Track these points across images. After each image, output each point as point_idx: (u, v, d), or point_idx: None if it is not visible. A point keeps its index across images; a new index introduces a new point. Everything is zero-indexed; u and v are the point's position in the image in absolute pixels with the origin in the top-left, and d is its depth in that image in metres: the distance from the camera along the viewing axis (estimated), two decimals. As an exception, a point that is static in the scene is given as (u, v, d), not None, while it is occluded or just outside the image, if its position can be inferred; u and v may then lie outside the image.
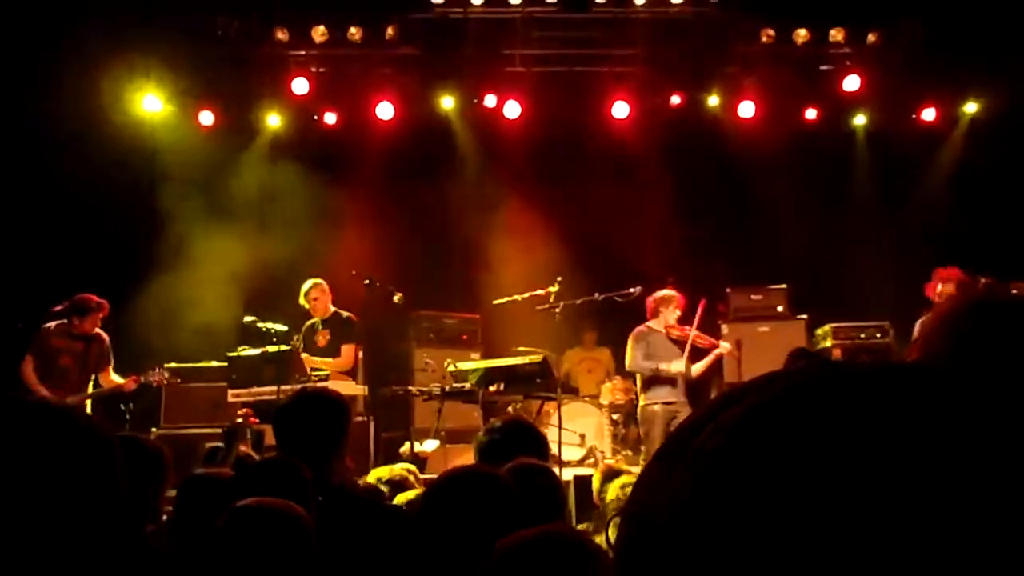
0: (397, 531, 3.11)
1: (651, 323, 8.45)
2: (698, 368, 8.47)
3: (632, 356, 8.43)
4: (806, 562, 0.50)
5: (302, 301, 8.32)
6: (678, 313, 8.41)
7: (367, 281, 8.14)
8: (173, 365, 8.58)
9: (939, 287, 7.89)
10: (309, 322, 8.39)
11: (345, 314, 8.28)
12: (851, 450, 0.51)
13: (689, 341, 8.35)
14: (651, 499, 0.56)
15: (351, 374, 8.08)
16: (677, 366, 8.24)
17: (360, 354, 8.24)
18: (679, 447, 0.57)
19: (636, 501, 0.58)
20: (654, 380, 8.35)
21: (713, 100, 10.83)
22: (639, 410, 8.63)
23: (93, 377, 8.21)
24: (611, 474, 4.90)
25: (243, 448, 5.27)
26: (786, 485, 0.51)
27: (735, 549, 0.51)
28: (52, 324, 8.01)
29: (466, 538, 2.34)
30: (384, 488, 4.58)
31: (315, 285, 8.30)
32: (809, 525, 0.50)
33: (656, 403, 8.28)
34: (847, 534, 0.50)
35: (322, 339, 8.21)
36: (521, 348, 8.44)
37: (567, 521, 3.23)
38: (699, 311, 8.45)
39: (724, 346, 8.56)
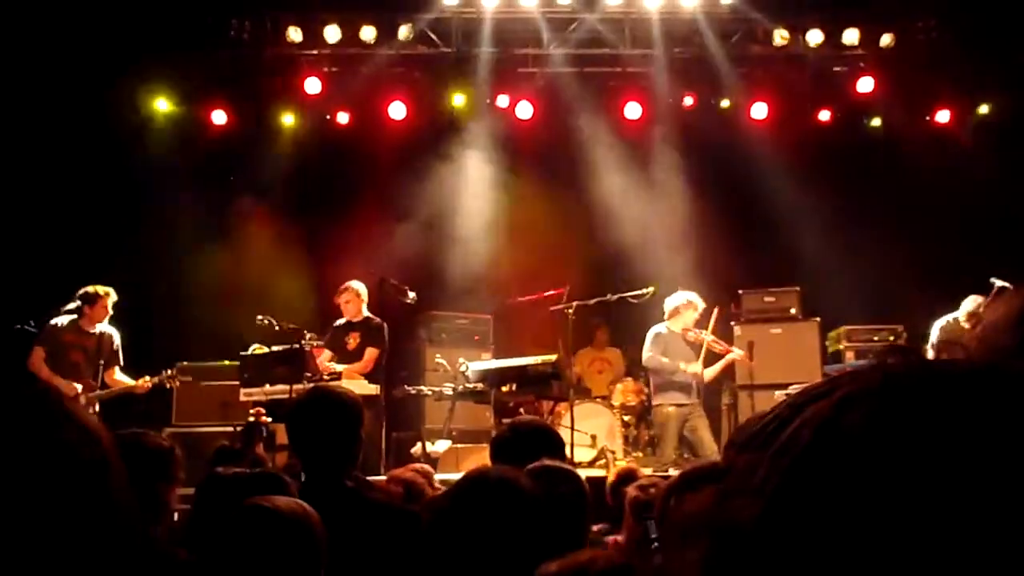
0: (412, 534, 3.09)
1: (669, 323, 8.46)
2: (710, 373, 8.48)
3: (649, 352, 8.43)
4: (901, 561, 0.48)
5: (336, 301, 8.34)
6: (696, 316, 8.42)
7: (380, 281, 8.13)
8: (185, 364, 8.59)
9: None
10: (340, 322, 8.39)
11: (377, 320, 8.27)
12: (946, 450, 0.50)
13: (704, 345, 8.35)
14: (735, 498, 0.55)
15: (372, 376, 8.04)
16: (694, 368, 8.26)
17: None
18: (760, 443, 0.55)
19: (721, 499, 0.56)
20: (668, 382, 8.36)
21: (725, 101, 10.82)
22: (653, 411, 8.65)
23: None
24: (626, 476, 4.86)
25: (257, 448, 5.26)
26: (880, 483, 0.50)
27: (826, 548, 0.50)
28: (63, 320, 8.01)
29: (489, 541, 2.32)
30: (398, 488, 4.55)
31: (347, 288, 8.31)
32: (904, 524, 0.49)
33: (670, 404, 8.30)
34: (941, 533, 0.48)
35: (352, 342, 8.21)
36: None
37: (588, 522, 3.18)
38: (713, 317, 8.44)
39: (736, 352, 8.56)
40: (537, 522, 2.31)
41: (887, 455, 0.51)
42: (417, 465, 5.21)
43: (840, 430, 0.52)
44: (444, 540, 2.39)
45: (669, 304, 8.48)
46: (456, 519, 2.37)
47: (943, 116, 10.79)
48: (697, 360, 8.35)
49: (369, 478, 5.23)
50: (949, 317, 7.83)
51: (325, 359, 8.01)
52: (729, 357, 8.55)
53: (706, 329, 8.42)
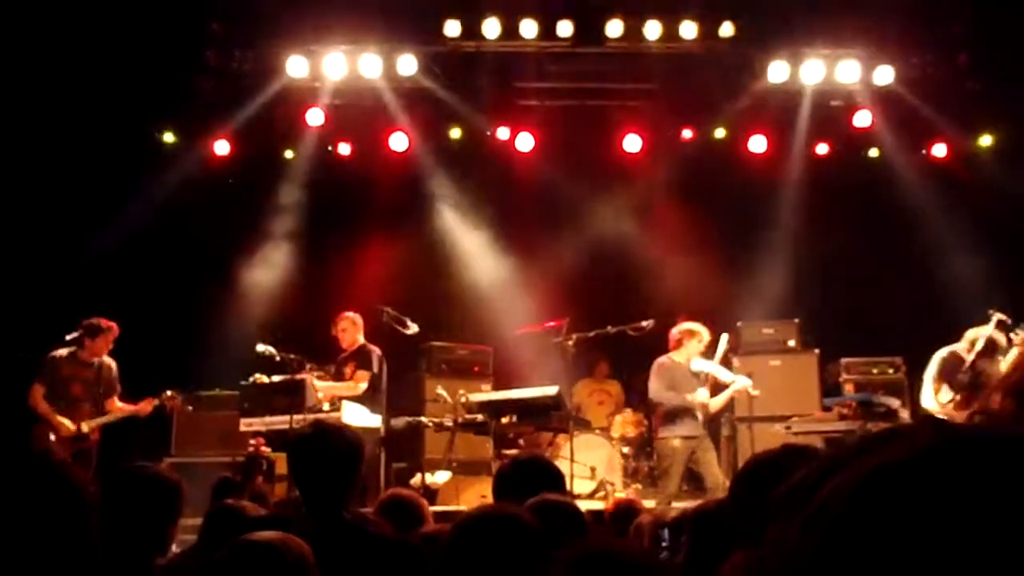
0: (412, 567, 3.10)
1: (673, 355, 8.38)
2: (716, 403, 8.40)
3: (656, 387, 8.34)
4: None
5: (333, 333, 8.37)
6: (701, 347, 8.35)
7: (381, 311, 8.16)
8: (184, 392, 8.58)
9: None
10: (342, 354, 8.43)
11: (369, 347, 8.29)
12: (980, 525, 0.51)
13: (711, 376, 8.31)
14: (770, 559, 0.56)
15: (370, 404, 8.01)
16: (702, 395, 8.17)
17: (383, 386, 8.21)
18: (792, 506, 0.57)
19: (755, 565, 0.58)
20: (674, 414, 8.26)
21: (724, 134, 10.89)
22: (657, 444, 8.54)
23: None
24: (626, 510, 4.87)
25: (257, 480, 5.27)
26: (909, 558, 0.51)
27: None
28: (62, 352, 8.00)
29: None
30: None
31: (342, 318, 8.35)
32: None
33: (676, 437, 8.18)
34: None
35: (349, 371, 8.23)
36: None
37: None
38: (721, 347, 8.40)
39: (744, 381, 8.48)
40: (539, 558, 2.33)
41: (917, 533, 0.52)
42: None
43: (871, 504, 0.54)
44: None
45: (673, 335, 8.43)
46: (459, 556, 2.39)
47: (940, 150, 10.86)
48: (704, 389, 8.31)
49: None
50: (949, 349, 7.84)
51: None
52: (735, 387, 8.47)
53: (712, 359, 8.38)
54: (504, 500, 3.18)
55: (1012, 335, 7.25)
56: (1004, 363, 7.24)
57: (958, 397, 7.55)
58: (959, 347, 7.72)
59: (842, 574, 0.52)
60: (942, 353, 7.82)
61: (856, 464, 0.56)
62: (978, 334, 7.62)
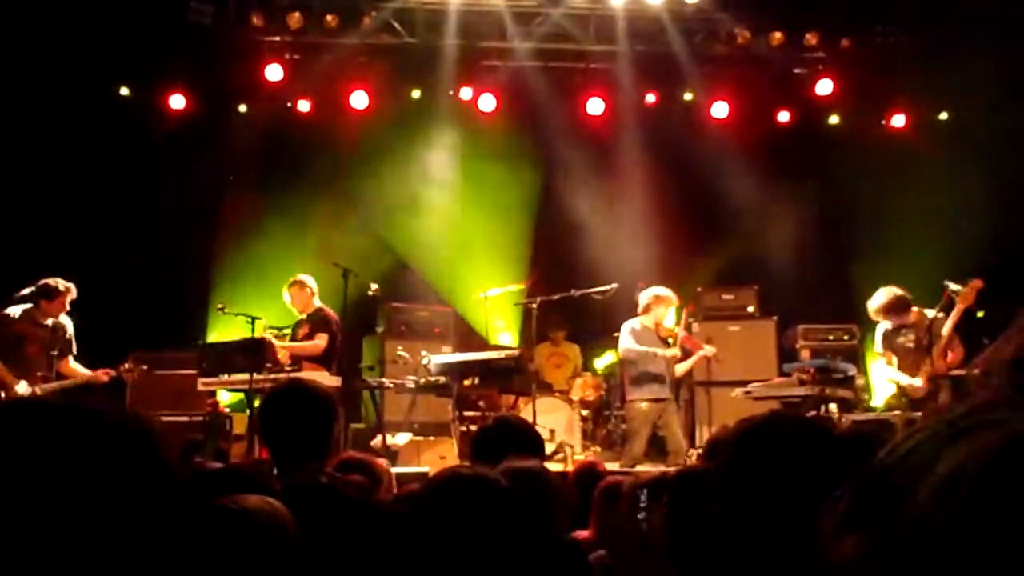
0: (387, 531, 3.08)
1: (643, 319, 8.44)
2: (682, 368, 8.50)
3: (624, 344, 8.37)
4: None
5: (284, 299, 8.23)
6: (668, 312, 8.42)
7: (343, 272, 8.05)
8: (139, 352, 8.45)
9: None
10: (300, 318, 8.31)
11: (325, 310, 8.17)
12: None
13: (678, 342, 8.38)
14: (898, 535, 0.54)
15: (327, 365, 7.95)
16: (672, 351, 8.26)
17: (337, 346, 8.13)
18: (907, 478, 0.55)
19: (877, 542, 0.56)
20: (642, 377, 8.32)
21: (688, 94, 10.90)
22: (626, 407, 8.61)
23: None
24: (590, 472, 4.88)
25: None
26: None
27: None
28: (16, 310, 7.80)
29: (463, 540, 2.32)
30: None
31: (292, 283, 8.19)
32: None
33: (644, 400, 8.25)
34: None
35: (302, 333, 8.12)
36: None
37: (560, 520, 3.22)
38: (684, 314, 8.49)
39: (709, 349, 8.57)
40: (510, 520, 2.32)
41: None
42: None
43: (1012, 472, 0.52)
44: (418, 539, 2.39)
45: (643, 299, 8.47)
46: (430, 518, 2.38)
47: (899, 120, 10.98)
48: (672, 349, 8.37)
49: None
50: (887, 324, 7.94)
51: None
52: (700, 354, 8.56)
53: (679, 326, 8.46)
54: (481, 462, 3.16)
55: (951, 293, 7.27)
56: (946, 326, 7.32)
57: (908, 360, 7.67)
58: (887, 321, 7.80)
59: (983, 544, 0.51)
60: (885, 326, 7.94)
61: (979, 435, 0.54)
62: (890, 295, 7.68)
